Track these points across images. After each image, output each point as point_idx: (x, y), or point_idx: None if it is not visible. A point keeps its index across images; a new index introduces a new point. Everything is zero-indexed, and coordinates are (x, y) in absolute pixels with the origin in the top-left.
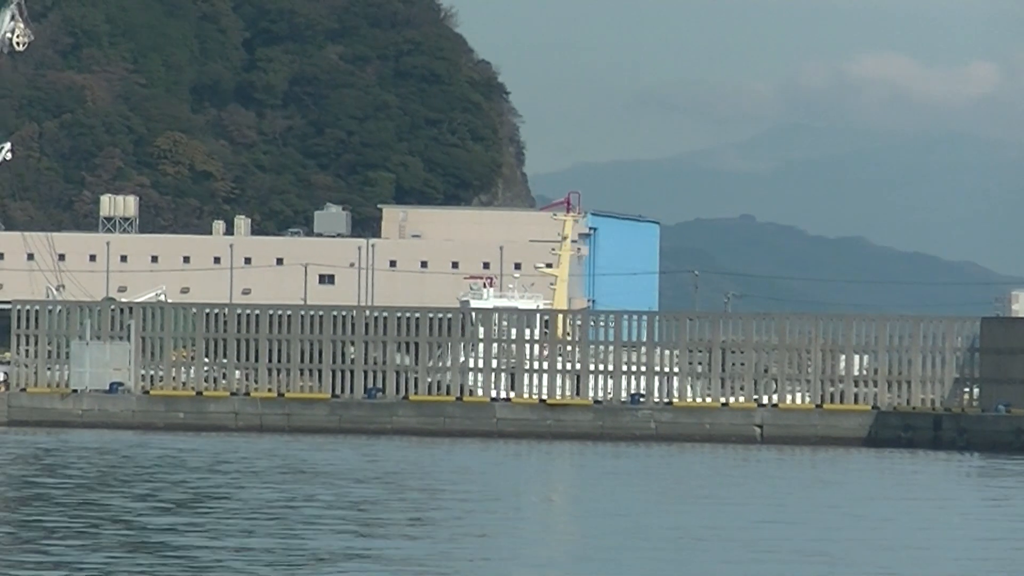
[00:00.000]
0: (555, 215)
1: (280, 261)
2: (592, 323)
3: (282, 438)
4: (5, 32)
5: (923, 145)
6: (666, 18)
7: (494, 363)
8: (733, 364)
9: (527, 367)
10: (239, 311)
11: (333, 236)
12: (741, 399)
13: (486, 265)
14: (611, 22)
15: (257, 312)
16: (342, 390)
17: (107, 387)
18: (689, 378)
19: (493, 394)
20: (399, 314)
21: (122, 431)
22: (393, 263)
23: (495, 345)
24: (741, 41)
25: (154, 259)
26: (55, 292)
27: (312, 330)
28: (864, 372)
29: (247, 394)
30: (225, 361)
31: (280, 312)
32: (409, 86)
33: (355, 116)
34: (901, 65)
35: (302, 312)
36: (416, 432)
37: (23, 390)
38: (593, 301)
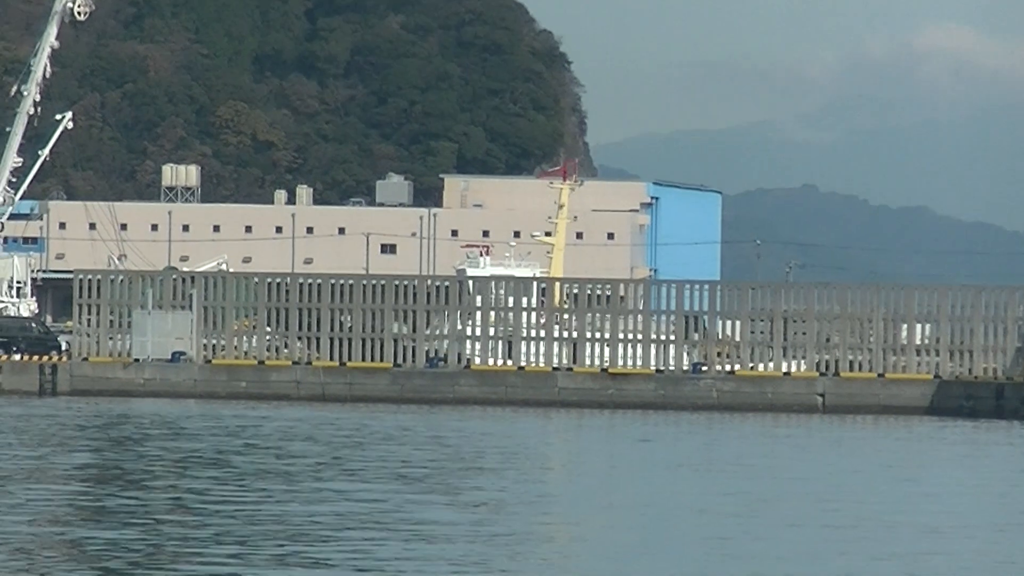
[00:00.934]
0: (552, 183)
1: (342, 231)
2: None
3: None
4: (66, 1)
5: (986, 115)
6: None
7: (491, 331)
8: (795, 333)
9: (524, 335)
10: (301, 281)
11: (395, 206)
12: (803, 368)
13: (547, 234)
14: None
15: (319, 282)
16: (404, 359)
17: (169, 356)
18: (751, 347)
19: (490, 362)
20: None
21: (184, 400)
22: (455, 233)
23: (492, 313)
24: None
25: (216, 229)
26: (117, 262)
27: (374, 300)
28: (926, 341)
29: (309, 363)
30: (287, 331)
31: (342, 281)
32: (471, 56)
33: (417, 86)
34: (965, 36)
35: (364, 282)
36: (477, 401)
37: (85, 359)
38: (655, 271)
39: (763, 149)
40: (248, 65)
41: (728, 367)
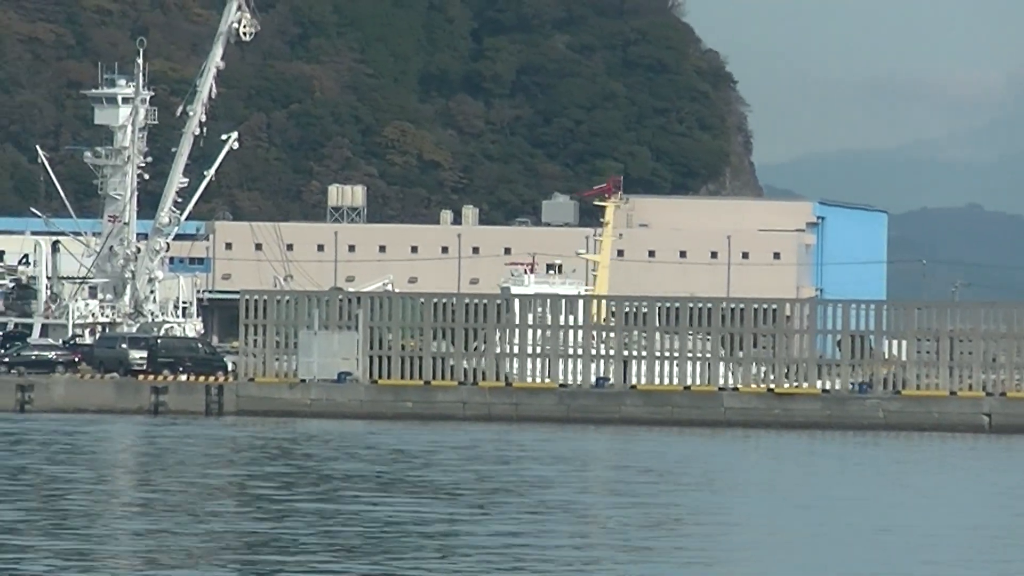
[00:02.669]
0: (596, 201)
1: (508, 251)
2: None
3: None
4: (232, 22)
5: None
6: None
7: (532, 349)
8: (961, 353)
9: (565, 353)
10: (467, 301)
11: (560, 226)
12: (969, 387)
13: (713, 254)
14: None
15: (485, 301)
16: (570, 379)
17: (335, 377)
18: (917, 367)
19: (530, 380)
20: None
21: (350, 420)
22: (620, 253)
23: (535, 331)
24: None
25: (382, 249)
26: (283, 282)
27: (539, 319)
28: None
29: (475, 383)
30: (452, 350)
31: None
32: (636, 75)
33: (583, 105)
34: None
35: (529, 301)
36: (643, 421)
37: (251, 380)
38: (821, 290)
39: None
40: (414, 85)
41: (894, 387)
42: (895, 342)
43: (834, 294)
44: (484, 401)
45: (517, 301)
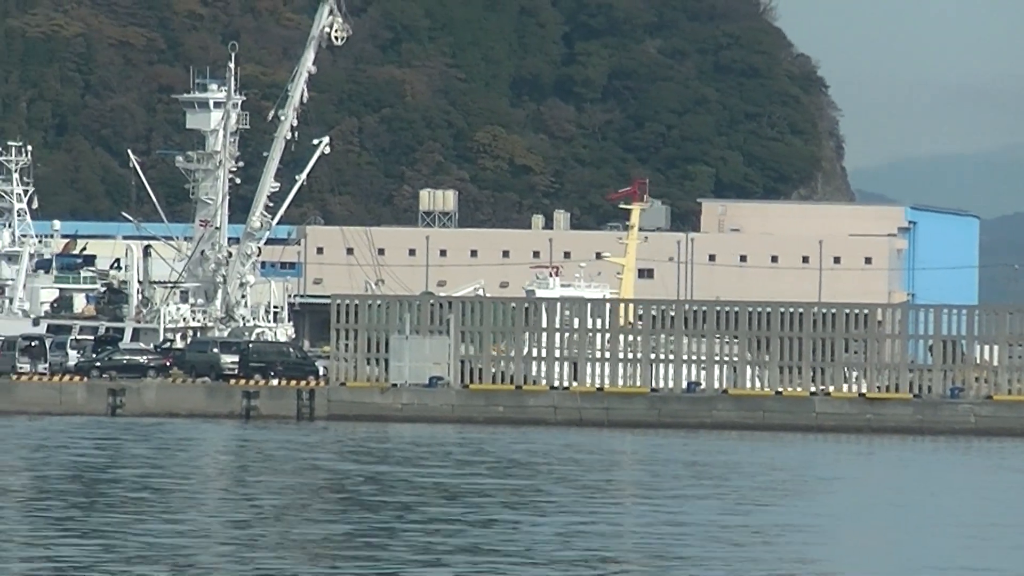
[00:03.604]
0: (622, 204)
1: (599, 255)
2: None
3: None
4: (323, 26)
5: None
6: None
7: (557, 352)
8: None
9: (589, 356)
10: (558, 305)
11: (652, 230)
12: None
13: (805, 259)
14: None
15: (574, 306)
16: (661, 383)
17: (426, 381)
18: (1008, 372)
19: (556, 383)
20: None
21: (442, 425)
22: (712, 257)
23: (559, 335)
24: None
25: (473, 253)
26: (374, 287)
27: (635, 323)
28: None
29: (566, 388)
30: (544, 355)
31: (599, 305)
32: (728, 80)
33: (674, 110)
34: None
35: (623, 305)
36: (735, 426)
37: (343, 384)
38: (913, 295)
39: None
40: (505, 89)
41: (986, 392)
42: (987, 347)
43: (926, 299)
44: (575, 406)
45: (608, 307)
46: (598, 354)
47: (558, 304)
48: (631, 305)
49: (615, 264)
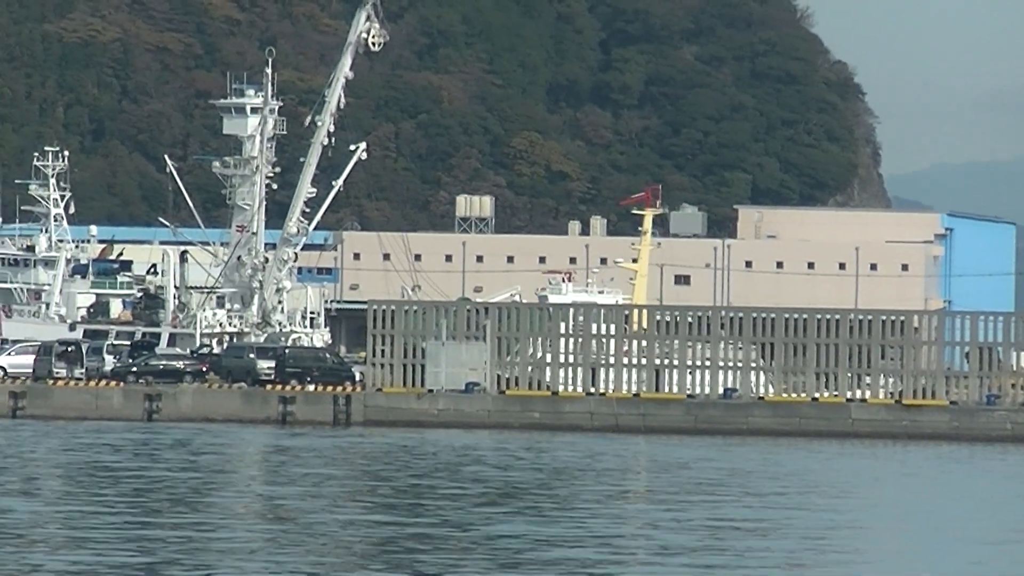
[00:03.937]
0: (634, 210)
1: (635, 261)
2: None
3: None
4: (361, 32)
5: None
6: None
7: (572, 358)
8: None
9: (605, 362)
10: (593, 310)
11: (689, 236)
12: None
13: (841, 266)
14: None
15: (612, 312)
16: (697, 389)
17: (463, 387)
18: None
19: (571, 389)
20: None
21: (478, 431)
22: (748, 264)
23: (573, 340)
24: None
25: (510, 259)
26: (411, 292)
27: (668, 331)
28: None
29: (602, 394)
30: (580, 361)
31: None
32: (765, 87)
33: (711, 116)
34: None
35: (658, 314)
36: (771, 433)
37: (379, 390)
38: (949, 302)
39: None
40: (542, 96)
41: (1022, 399)
42: (1023, 354)
43: (962, 306)
44: (611, 412)
45: (641, 312)
46: (634, 360)
47: (598, 310)
48: (644, 311)
49: (627, 270)
